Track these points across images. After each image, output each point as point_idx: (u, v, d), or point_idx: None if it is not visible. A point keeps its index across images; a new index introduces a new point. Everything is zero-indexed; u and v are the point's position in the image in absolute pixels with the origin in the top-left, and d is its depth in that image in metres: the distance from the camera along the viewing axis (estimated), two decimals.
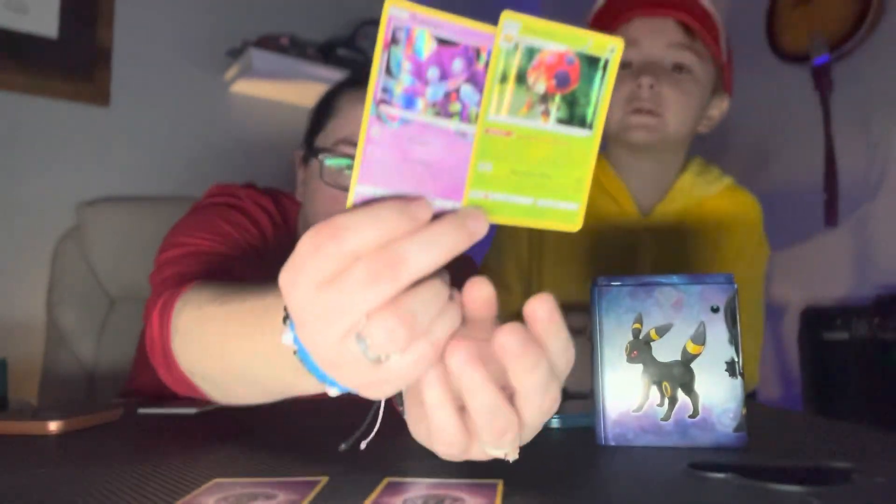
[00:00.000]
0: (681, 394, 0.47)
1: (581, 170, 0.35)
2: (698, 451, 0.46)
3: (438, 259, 0.30)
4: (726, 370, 0.47)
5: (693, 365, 0.48)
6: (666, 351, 0.48)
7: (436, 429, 0.33)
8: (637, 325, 0.48)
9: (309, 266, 0.30)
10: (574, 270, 0.96)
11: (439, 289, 0.32)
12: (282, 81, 1.75)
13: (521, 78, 0.32)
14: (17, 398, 1.35)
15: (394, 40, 0.30)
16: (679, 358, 0.48)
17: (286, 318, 0.35)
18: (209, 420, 0.65)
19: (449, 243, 0.31)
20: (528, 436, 0.35)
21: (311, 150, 0.85)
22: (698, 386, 0.47)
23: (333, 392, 0.35)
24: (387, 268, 0.29)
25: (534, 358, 0.31)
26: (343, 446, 0.43)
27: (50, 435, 0.55)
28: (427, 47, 0.31)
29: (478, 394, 0.31)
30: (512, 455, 0.35)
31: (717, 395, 0.47)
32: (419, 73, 0.31)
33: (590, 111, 0.34)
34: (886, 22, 1.52)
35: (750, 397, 0.99)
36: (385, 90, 0.31)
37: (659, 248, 0.95)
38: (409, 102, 0.31)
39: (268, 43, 1.76)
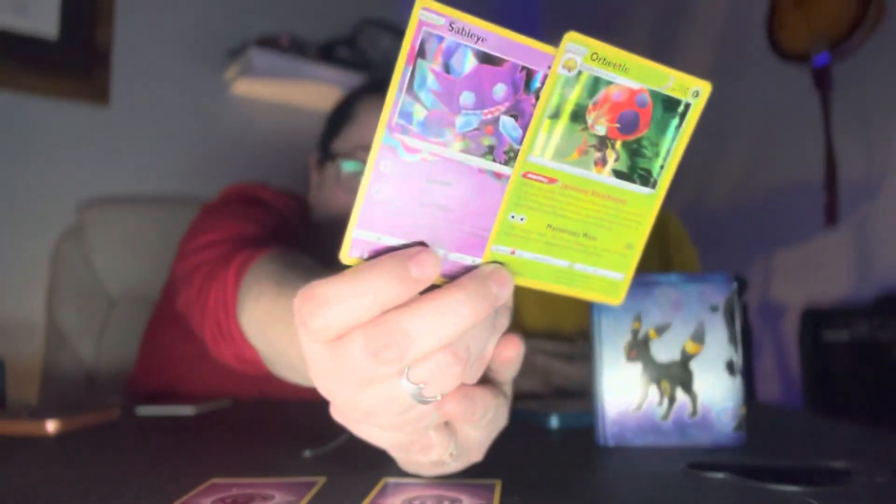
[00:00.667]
0: (680, 393, 0.47)
1: (634, 235, 0.29)
2: (697, 450, 0.46)
3: (451, 333, 0.25)
4: (725, 369, 0.47)
5: (692, 364, 0.47)
6: (665, 350, 0.48)
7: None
8: (636, 325, 0.48)
9: (308, 325, 0.26)
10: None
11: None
12: (282, 81, 1.75)
13: (577, 115, 0.26)
14: (17, 398, 1.35)
15: (421, 52, 0.24)
16: (678, 357, 0.48)
17: None
18: (207, 420, 0.65)
19: (465, 313, 0.25)
20: (476, 451, 0.35)
21: (327, 154, 0.83)
22: (697, 385, 0.47)
23: None
24: (387, 348, 0.25)
25: (478, 414, 0.30)
26: (307, 453, 0.43)
27: (47, 435, 0.55)
28: (466, 63, 0.24)
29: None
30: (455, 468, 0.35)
31: (716, 394, 0.47)
32: (450, 96, 0.25)
33: (656, 165, 0.28)
34: (886, 22, 1.52)
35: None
36: (404, 114, 0.25)
37: None
38: (434, 132, 0.25)
39: (268, 43, 1.76)
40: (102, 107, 1.60)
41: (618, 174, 0.27)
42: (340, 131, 0.83)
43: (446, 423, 0.32)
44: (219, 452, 0.49)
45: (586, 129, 0.26)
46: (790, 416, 0.67)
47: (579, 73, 0.25)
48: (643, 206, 0.28)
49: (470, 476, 0.38)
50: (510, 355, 0.31)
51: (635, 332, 0.48)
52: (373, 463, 0.44)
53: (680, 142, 0.28)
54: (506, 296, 0.27)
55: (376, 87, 0.87)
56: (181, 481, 0.38)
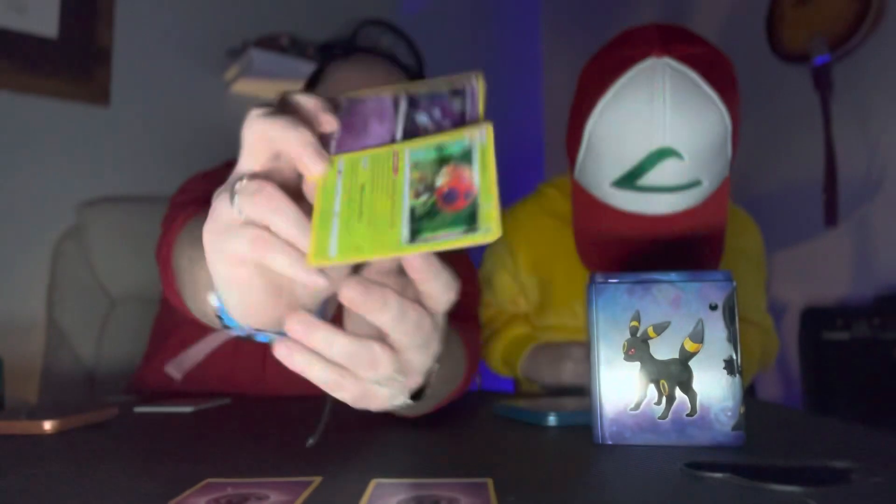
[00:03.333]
0: (678, 392, 0.47)
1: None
2: (696, 449, 0.46)
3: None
4: (724, 368, 0.47)
5: (691, 363, 0.47)
6: (664, 349, 0.47)
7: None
8: (634, 323, 0.48)
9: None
10: (575, 286, 0.96)
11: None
12: (282, 81, 1.75)
13: (438, 162, 0.34)
14: (17, 398, 1.35)
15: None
16: (677, 356, 0.47)
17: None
18: (204, 419, 0.65)
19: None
20: (415, 374, 0.40)
21: None
22: (696, 384, 0.47)
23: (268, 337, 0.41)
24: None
25: (378, 302, 0.35)
26: (311, 441, 0.46)
27: (45, 434, 0.55)
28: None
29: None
30: (401, 398, 0.40)
31: (716, 393, 0.47)
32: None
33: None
34: (886, 22, 1.52)
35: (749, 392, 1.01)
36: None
37: (667, 247, 0.95)
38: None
39: (268, 43, 1.76)
40: (102, 107, 1.60)
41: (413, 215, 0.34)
42: (314, 90, 0.96)
43: (389, 345, 0.37)
44: (215, 452, 0.49)
45: (432, 175, 0.34)
46: (789, 416, 0.66)
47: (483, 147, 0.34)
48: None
49: (465, 475, 0.38)
50: (417, 263, 0.35)
51: (634, 331, 0.48)
52: (368, 463, 0.43)
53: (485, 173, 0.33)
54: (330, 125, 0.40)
55: (347, 50, 1.00)
56: (177, 481, 0.38)
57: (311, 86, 0.98)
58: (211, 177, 0.92)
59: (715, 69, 0.75)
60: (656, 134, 0.71)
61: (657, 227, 0.77)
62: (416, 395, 0.47)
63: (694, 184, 0.74)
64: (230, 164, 0.93)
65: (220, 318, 0.43)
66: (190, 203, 0.77)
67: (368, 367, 0.37)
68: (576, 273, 0.95)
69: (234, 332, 0.43)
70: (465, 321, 0.82)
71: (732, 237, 1.00)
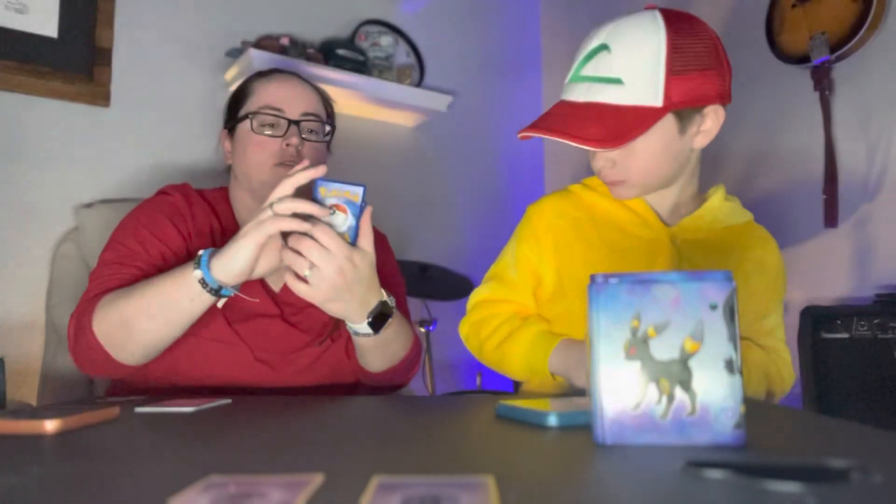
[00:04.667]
0: (679, 392, 0.47)
1: None
2: (696, 449, 0.46)
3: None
4: (724, 368, 0.47)
5: (691, 362, 0.47)
6: (664, 348, 0.48)
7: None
8: (634, 323, 0.48)
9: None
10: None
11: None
12: None
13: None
14: (16, 398, 1.35)
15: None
16: (677, 356, 0.47)
17: (198, 260, 0.84)
18: (204, 418, 0.65)
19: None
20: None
21: (237, 118, 1.10)
22: (696, 384, 0.47)
23: (221, 302, 0.89)
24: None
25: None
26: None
27: (47, 434, 0.55)
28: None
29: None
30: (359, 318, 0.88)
31: (716, 393, 0.47)
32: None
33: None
34: (887, 22, 1.52)
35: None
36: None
37: (680, 256, 0.95)
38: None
39: (268, 43, 1.76)
40: (102, 107, 1.60)
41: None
42: (243, 104, 1.10)
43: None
44: (217, 450, 0.49)
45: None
46: (789, 415, 0.67)
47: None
48: None
49: (466, 472, 0.38)
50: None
51: (634, 330, 0.48)
52: (370, 461, 0.44)
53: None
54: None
55: (264, 73, 1.14)
56: (179, 478, 0.38)
57: (239, 101, 1.11)
58: (130, 227, 1.05)
59: (683, 22, 0.88)
60: (602, 33, 0.89)
61: (576, 110, 0.88)
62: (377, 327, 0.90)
63: (615, 80, 0.85)
64: (163, 191, 1.10)
65: (203, 281, 0.83)
66: (111, 266, 0.98)
67: (290, 262, 0.81)
68: (593, 261, 0.97)
69: (211, 296, 0.85)
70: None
71: (748, 249, 1.00)
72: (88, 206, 1.44)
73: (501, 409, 0.65)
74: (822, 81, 1.55)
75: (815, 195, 1.54)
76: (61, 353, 1.31)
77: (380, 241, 1.22)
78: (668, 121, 0.88)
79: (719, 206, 0.99)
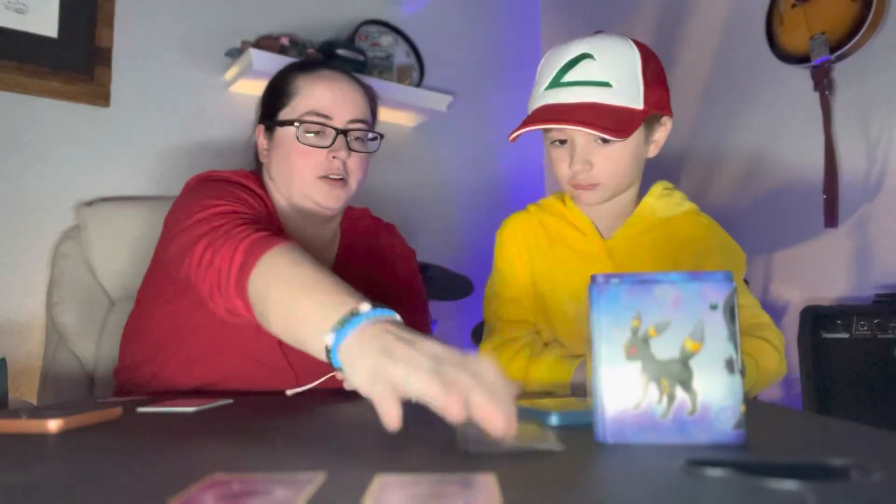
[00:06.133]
0: (679, 391, 0.47)
1: None
2: (697, 448, 0.46)
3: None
4: (725, 368, 0.47)
5: (691, 362, 0.47)
6: (664, 348, 0.48)
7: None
8: (635, 323, 0.48)
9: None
10: (558, 295, 1.03)
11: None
12: None
13: None
14: (17, 398, 1.35)
15: None
16: (677, 355, 0.48)
17: (337, 326, 0.57)
18: (207, 418, 0.65)
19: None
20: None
21: (278, 119, 1.03)
22: (697, 383, 0.47)
23: (340, 375, 0.58)
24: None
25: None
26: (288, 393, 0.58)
27: (49, 434, 0.55)
28: None
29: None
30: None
31: (716, 392, 0.47)
32: None
33: None
34: (887, 22, 1.52)
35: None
36: None
37: (616, 268, 1.00)
38: None
39: (267, 43, 1.76)
40: (102, 107, 1.60)
41: None
42: (285, 102, 1.03)
43: None
44: (218, 449, 0.49)
45: None
46: (789, 415, 0.67)
47: None
48: None
49: (468, 471, 0.38)
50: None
51: (635, 330, 0.48)
52: (372, 459, 0.44)
53: None
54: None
55: (307, 65, 1.08)
56: (181, 477, 0.38)
57: (282, 100, 1.03)
58: (219, 186, 0.96)
59: (644, 46, 0.96)
60: (580, 45, 0.94)
61: (572, 112, 0.92)
62: None
63: (604, 83, 0.91)
64: (201, 177, 1.03)
65: (328, 352, 0.58)
66: (224, 217, 0.86)
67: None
68: (550, 277, 1.03)
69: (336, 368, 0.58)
70: None
71: (691, 238, 1.04)
72: (89, 204, 1.44)
73: None
74: (822, 81, 1.55)
75: (815, 195, 1.54)
76: (61, 353, 1.31)
77: (410, 258, 1.21)
78: (636, 124, 0.93)
79: (655, 200, 1.03)
